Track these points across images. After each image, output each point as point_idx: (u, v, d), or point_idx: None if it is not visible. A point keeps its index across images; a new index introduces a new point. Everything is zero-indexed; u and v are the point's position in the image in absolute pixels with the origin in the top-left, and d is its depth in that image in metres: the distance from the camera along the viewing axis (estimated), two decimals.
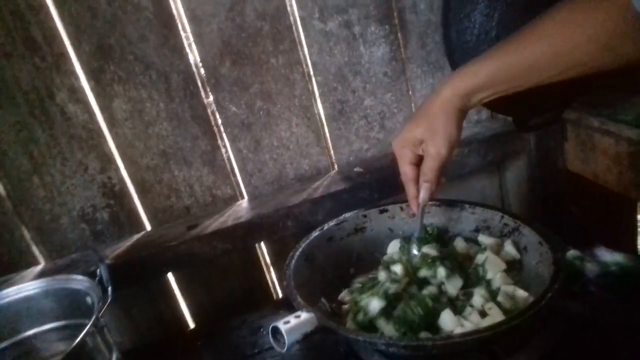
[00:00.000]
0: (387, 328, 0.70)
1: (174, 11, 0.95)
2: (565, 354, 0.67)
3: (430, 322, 0.71)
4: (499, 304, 0.71)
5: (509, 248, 0.81)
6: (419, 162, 0.77)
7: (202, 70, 1.00)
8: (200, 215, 1.07)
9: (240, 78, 1.02)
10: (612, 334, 0.74)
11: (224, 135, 1.06)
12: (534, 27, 0.66)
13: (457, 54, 0.98)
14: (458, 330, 0.67)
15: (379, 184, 1.06)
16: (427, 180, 0.75)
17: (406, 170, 0.77)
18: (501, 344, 0.68)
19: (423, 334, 0.68)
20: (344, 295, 0.83)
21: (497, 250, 0.82)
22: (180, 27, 0.96)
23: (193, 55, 0.98)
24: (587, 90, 1.00)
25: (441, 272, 0.76)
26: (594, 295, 0.86)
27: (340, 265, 0.88)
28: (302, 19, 1.03)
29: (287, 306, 0.96)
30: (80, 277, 0.81)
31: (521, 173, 1.19)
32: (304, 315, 0.61)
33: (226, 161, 1.07)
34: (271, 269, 1.15)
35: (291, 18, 1.02)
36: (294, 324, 0.59)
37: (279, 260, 1.13)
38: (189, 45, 0.97)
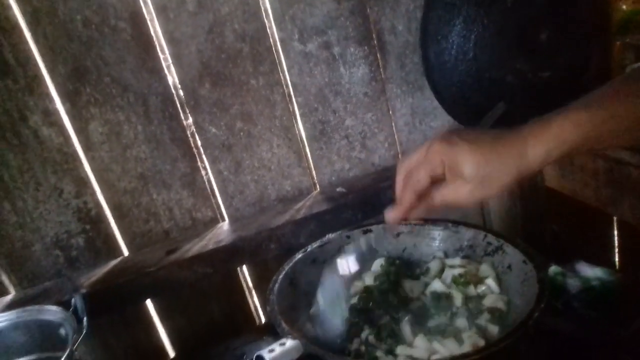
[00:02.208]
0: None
1: (152, 33, 0.94)
2: None
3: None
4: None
5: (485, 268, 0.81)
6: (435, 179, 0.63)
7: (181, 92, 0.98)
8: (179, 239, 1.04)
9: (220, 99, 1.02)
10: (596, 352, 0.74)
11: (203, 157, 1.04)
12: (618, 86, 0.59)
13: (436, 74, 1.00)
14: (434, 357, 0.66)
15: (361, 204, 1.05)
16: (432, 206, 0.64)
17: (423, 178, 0.62)
18: None
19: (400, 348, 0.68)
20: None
21: (475, 270, 0.82)
22: (158, 49, 0.95)
23: (172, 77, 0.97)
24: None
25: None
26: (577, 312, 0.86)
27: None
28: (281, 40, 1.03)
29: (271, 332, 0.93)
30: (53, 307, 0.78)
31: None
32: (289, 342, 0.59)
33: (206, 183, 1.05)
34: (253, 292, 1.13)
35: (271, 39, 1.02)
36: (278, 352, 0.57)
37: (261, 284, 1.11)
38: (168, 67, 0.96)
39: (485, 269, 0.81)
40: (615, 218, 1.27)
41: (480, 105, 0.98)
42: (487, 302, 0.75)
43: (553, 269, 1.00)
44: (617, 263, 1.32)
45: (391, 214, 0.68)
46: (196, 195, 1.05)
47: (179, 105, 0.99)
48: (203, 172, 1.05)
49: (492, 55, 0.92)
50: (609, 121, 0.56)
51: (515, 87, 0.96)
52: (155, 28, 0.94)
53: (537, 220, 1.16)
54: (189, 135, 1.02)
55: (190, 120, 1.01)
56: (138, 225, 1.02)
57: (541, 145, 0.56)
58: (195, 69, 0.98)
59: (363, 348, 0.70)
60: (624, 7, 1.14)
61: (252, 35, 1.00)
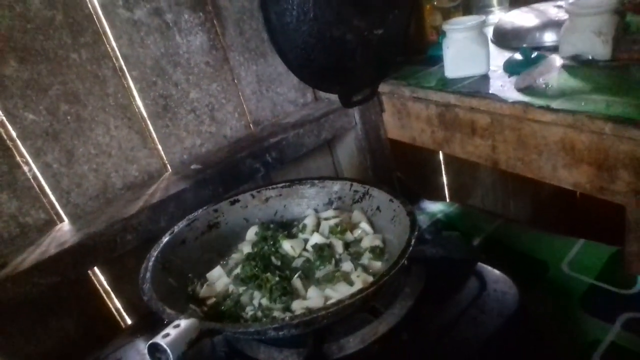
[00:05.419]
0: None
1: None
2: (431, 292, 0.73)
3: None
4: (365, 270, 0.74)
5: (357, 214, 0.85)
6: None
7: None
8: (7, 252, 0.86)
9: (33, 79, 0.85)
10: (459, 265, 0.81)
11: (22, 150, 0.87)
12: None
13: (280, 37, 0.98)
14: (329, 302, 0.67)
15: (221, 177, 1.00)
16: None
17: None
18: (378, 301, 0.70)
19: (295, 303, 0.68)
20: (205, 291, 0.76)
21: (347, 218, 0.86)
22: None
23: None
24: (394, 66, 1.12)
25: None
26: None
27: (201, 266, 0.80)
28: (103, 6, 0.91)
29: (143, 329, 0.84)
30: None
31: (351, 147, 1.26)
32: (184, 322, 0.53)
33: (32, 180, 0.88)
34: (112, 295, 1.00)
35: (90, 6, 0.89)
36: (175, 334, 0.51)
37: (119, 284, 0.98)
38: None
39: (356, 215, 0.85)
40: (442, 159, 1.45)
41: (325, 66, 1.01)
42: (365, 243, 0.79)
43: None
44: (447, 196, 1.52)
45: None
46: (20, 197, 0.87)
47: None
48: (25, 168, 0.87)
49: (331, 14, 0.94)
50: None
51: (354, 44, 1.00)
52: None
53: (385, 170, 1.26)
54: None
55: None
56: None
57: None
58: None
59: (259, 313, 0.67)
60: None
61: (63, 1, 0.86)
